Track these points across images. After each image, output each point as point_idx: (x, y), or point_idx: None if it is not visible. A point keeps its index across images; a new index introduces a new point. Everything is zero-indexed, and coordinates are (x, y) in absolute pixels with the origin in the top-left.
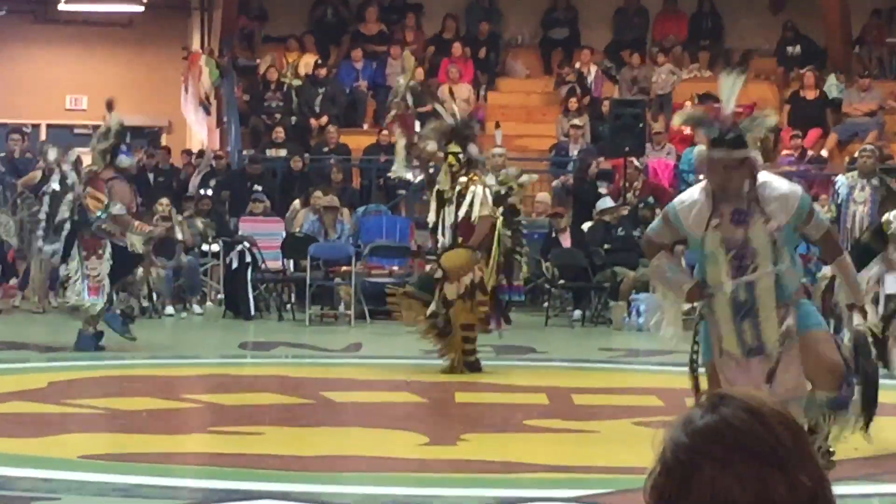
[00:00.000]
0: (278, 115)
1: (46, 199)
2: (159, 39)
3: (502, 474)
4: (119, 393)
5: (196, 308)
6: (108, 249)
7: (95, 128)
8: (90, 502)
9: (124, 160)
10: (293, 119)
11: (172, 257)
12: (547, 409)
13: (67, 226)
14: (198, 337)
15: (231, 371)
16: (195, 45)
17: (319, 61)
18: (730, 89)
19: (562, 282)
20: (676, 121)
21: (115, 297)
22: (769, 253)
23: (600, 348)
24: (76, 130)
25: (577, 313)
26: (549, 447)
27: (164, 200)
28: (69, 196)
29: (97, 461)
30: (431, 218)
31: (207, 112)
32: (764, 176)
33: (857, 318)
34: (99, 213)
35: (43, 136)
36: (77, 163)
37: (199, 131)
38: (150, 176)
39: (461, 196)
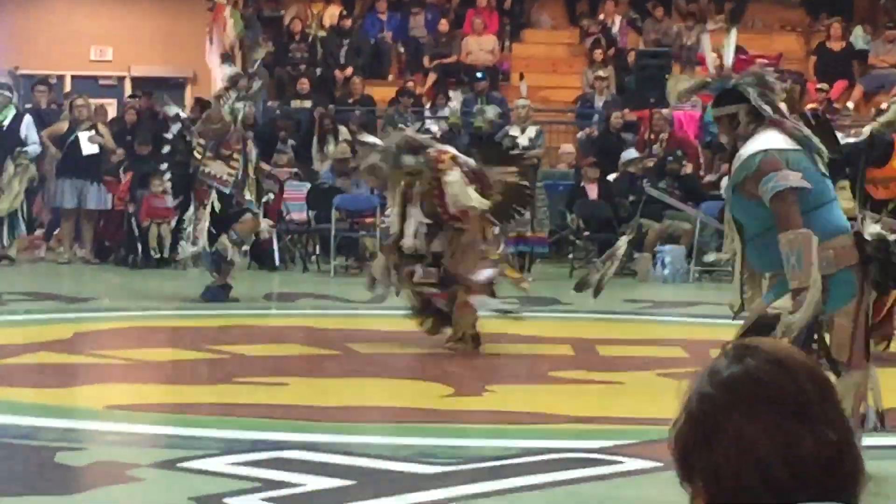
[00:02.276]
0: (303, 67)
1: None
2: None
3: (528, 425)
4: (144, 343)
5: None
6: (214, 197)
7: (121, 79)
8: (115, 452)
9: (237, 106)
10: (318, 70)
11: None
12: (572, 360)
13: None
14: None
15: (256, 322)
16: None
17: (344, 12)
18: (726, 43)
19: (587, 233)
20: (672, 100)
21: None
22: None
23: (625, 300)
24: (101, 81)
25: None
26: (574, 398)
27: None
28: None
29: (122, 411)
30: (395, 225)
31: (232, 63)
32: (760, 134)
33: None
34: (199, 158)
35: (68, 88)
36: (194, 120)
37: (223, 82)
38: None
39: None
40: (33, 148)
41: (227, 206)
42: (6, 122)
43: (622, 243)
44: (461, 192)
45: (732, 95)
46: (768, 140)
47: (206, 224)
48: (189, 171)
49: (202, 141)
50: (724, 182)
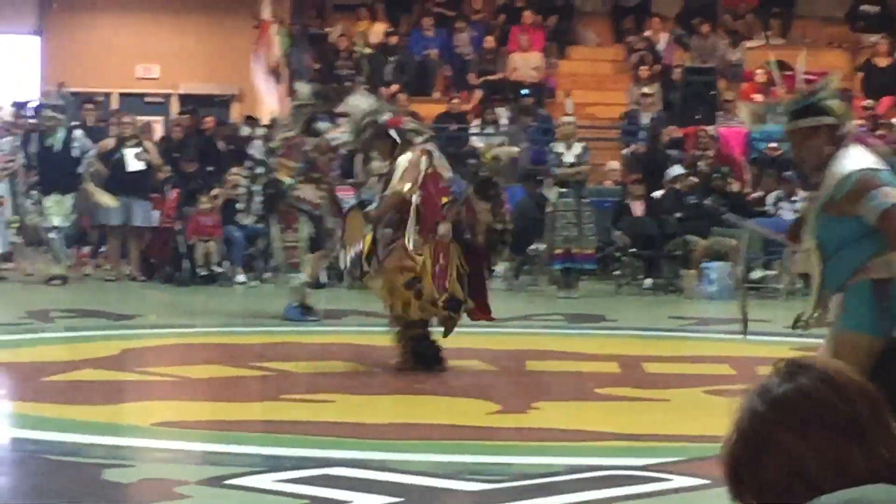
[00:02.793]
0: (349, 84)
1: (246, 171)
2: (230, 8)
3: (573, 442)
4: (191, 360)
5: (267, 276)
6: (305, 220)
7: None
8: (162, 470)
9: (322, 126)
10: (364, 88)
11: (245, 225)
12: (618, 377)
13: (259, 198)
14: (269, 304)
15: (302, 339)
16: (266, 13)
17: (390, 29)
18: (798, 62)
19: (633, 250)
20: (749, 124)
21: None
22: (812, 231)
23: (671, 316)
24: (147, 99)
25: (648, 281)
26: (620, 415)
27: (235, 168)
28: (262, 168)
29: (169, 428)
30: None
31: (278, 81)
32: (848, 151)
33: None
34: (291, 182)
35: (114, 105)
36: (268, 136)
37: (269, 100)
38: (221, 144)
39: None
40: (85, 159)
41: (318, 230)
42: (58, 146)
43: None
44: (399, 174)
45: (812, 110)
46: (859, 157)
47: (303, 248)
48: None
49: (290, 163)
50: (771, 198)
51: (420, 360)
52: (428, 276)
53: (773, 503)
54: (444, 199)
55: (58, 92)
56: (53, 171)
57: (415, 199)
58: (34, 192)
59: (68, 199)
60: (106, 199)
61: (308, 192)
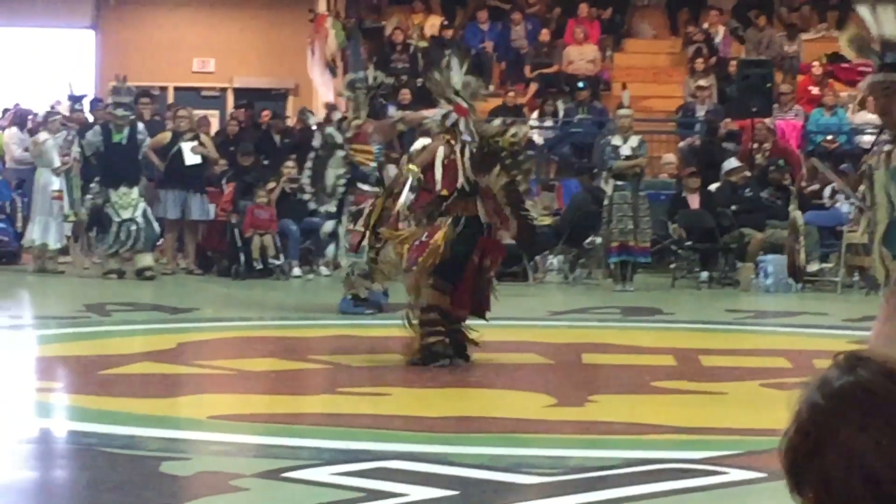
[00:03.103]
0: (404, 77)
1: (309, 162)
2: (286, 1)
3: (630, 436)
4: (247, 354)
5: (323, 269)
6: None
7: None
8: (219, 462)
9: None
10: (419, 81)
11: (301, 219)
12: (674, 370)
13: (342, 186)
14: (325, 298)
15: (358, 332)
16: (321, 7)
17: (445, 23)
18: (877, 19)
19: (688, 243)
20: (842, 43)
21: None
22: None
23: (727, 309)
24: (203, 93)
25: (704, 274)
26: (677, 409)
27: (291, 162)
28: (339, 154)
29: (226, 421)
30: None
31: (333, 74)
32: None
33: None
34: (373, 165)
35: (170, 100)
36: (341, 121)
37: (325, 93)
38: (277, 138)
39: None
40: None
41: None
42: (124, 140)
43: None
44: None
45: None
46: None
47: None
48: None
49: (366, 148)
50: (827, 191)
51: (430, 357)
52: (405, 243)
53: (831, 496)
54: (445, 192)
55: (125, 87)
56: (119, 166)
57: (411, 179)
58: (93, 186)
59: (134, 192)
60: None
61: (392, 173)
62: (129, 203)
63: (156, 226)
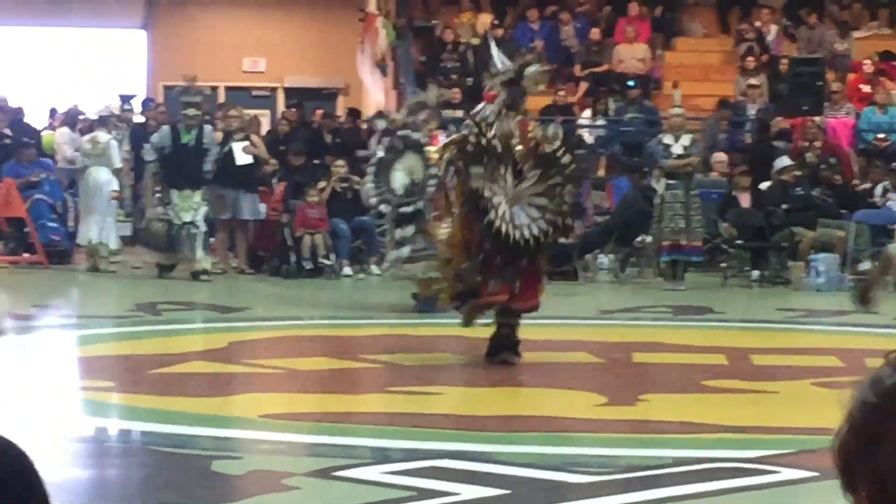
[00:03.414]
0: (455, 76)
1: (372, 168)
2: (336, 1)
3: (681, 435)
4: (298, 353)
5: (374, 268)
6: None
7: (273, 89)
8: (270, 461)
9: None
10: (469, 80)
11: (351, 218)
12: (725, 369)
13: (432, 186)
14: (376, 297)
15: (408, 331)
16: (371, 6)
17: (496, 21)
18: None
19: (739, 242)
20: None
21: None
22: None
23: (778, 308)
24: (254, 93)
25: (755, 273)
26: (728, 408)
27: (341, 161)
28: (411, 155)
29: (277, 420)
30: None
31: (384, 73)
32: None
33: None
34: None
35: (221, 99)
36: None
37: (375, 93)
38: (328, 137)
39: None
40: (213, 153)
41: None
42: (192, 141)
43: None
44: None
45: None
46: None
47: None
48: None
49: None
50: (878, 189)
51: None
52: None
53: (885, 495)
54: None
55: (195, 87)
56: (185, 167)
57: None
58: (157, 189)
59: (197, 195)
60: None
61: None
62: (191, 206)
63: (203, 231)
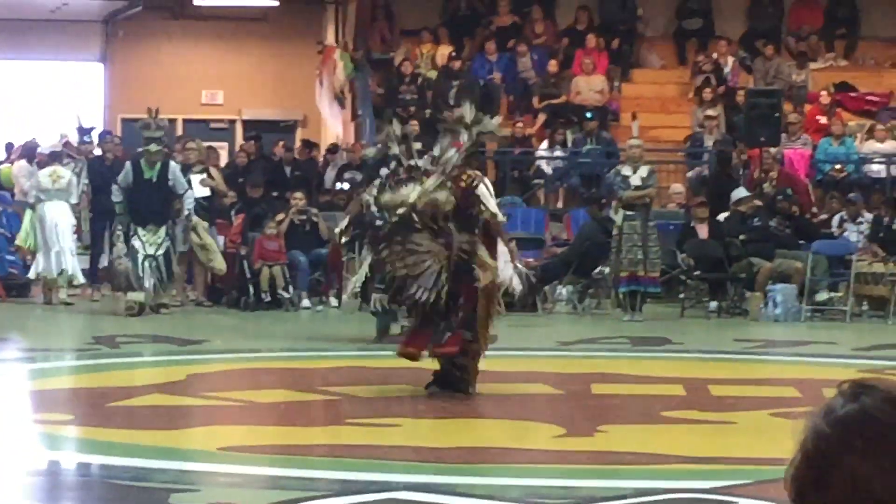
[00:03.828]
0: (413, 108)
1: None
2: (294, 34)
3: (640, 465)
4: (256, 385)
5: (332, 301)
6: None
7: (232, 122)
8: (229, 494)
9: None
10: (427, 112)
11: (310, 250)
12: (683, 400)
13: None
14: (334, 329)
15: (367, 363)
16: (329, 38)
17: (453, 53)
18: None
19: (697, 272)
20: None
21: None
22: None
23: (736, 339)
24: (212, 125)
25: (713, 304)
26: (686, 438)
27: (299, 194)
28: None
29: (236, 453)
30: None
31: (342, 106)
32: None
33: None
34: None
35: (179, 131)
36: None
37: (333, 125)
38: (287, 169)
39: None
40: (188, 197)
41: None
42: (155, 178)
43: None
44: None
45: None
46: None
47: None
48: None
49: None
50: (835, 220)
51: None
52: None
53: None
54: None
55: (156, 121)
56: (148, 204)
57: None
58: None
59: (161, 231)
60: (217, 260)
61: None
62: (156, 241)
63: (175, 267)
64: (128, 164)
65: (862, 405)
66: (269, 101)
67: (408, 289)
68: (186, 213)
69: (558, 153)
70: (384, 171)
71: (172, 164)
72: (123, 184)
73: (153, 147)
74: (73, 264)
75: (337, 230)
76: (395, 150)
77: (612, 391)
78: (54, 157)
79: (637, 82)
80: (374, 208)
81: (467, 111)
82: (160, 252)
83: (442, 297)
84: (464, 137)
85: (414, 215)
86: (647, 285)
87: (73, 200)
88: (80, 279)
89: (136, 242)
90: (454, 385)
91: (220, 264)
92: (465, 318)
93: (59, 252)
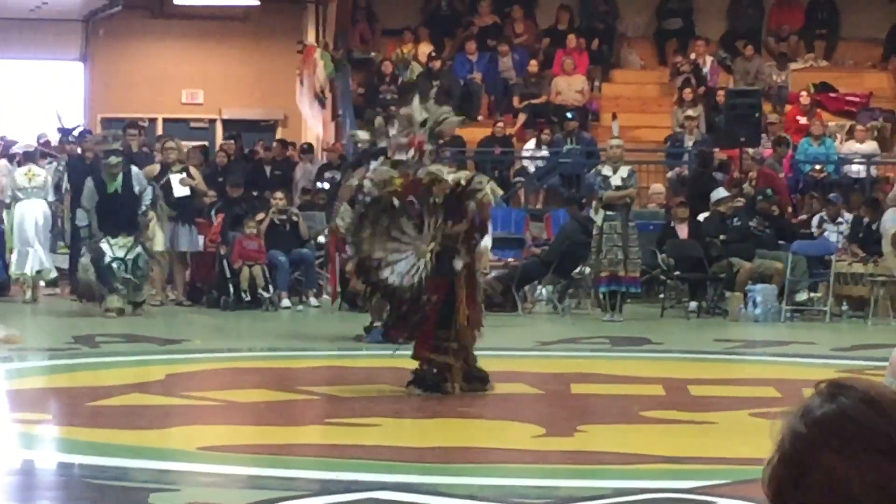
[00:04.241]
0: (393, 108)
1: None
2: (274, 33)
3: (619, 465)
4: (236, 385)
5: (312, 300)
6: None
7: (212, 121)
8: (209, 494)
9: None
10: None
11: (290, 250)
12: (663, 400)
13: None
14: (314, 329)
15: (347, 363)
16: (310, 38)
17: (434, 53)
18: None
19: (677, 273)
20: None
21: None
22: None
23: (716, 339)
24: (192, 125)
25: (693, 304)
26: (666, 438)
27: (279, 194)
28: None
29: (215, 452)
30: None
31: (322, 105)
32: None
33: None
34: None
35: (160, 131)
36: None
37: (314, 125)
38: (267, 169)
39: None
40: (147, 195)
41: None
42: (119, 188)
43: None
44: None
45: None
46: None
47: None
48: None
49: None
50: (815, 220)
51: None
52: None
53: None
54: None
55: (112, 134)
56: (117, 216)
57: None
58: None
59: (131, 240)
60: (158, 239)
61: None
62: (125, 245)
63: (146, 270)
64: (88, 180)
65: (839, 405)
66: (250, 101)
67: (381, 270)
68: (143, 208)
69: (541, 153)
70: (374, 164)
71: (134, 169)
72: (89, 204)
73: (113, 160)
74: (48, 262)
75: (338, 220)
76: (384, 143)
77: (591, 391)
78: (28, 157)
79: (617, 82)
80: (367, 185)
81: (416, 110)
82: (129, 256)
83: (413, 288)
84: (419, 132)
85: (395, 199)
86: (628, 285)
87: (50, 198)
88: (54, 275)
89: (104, 245)
90: (431, 386)
91: (157, 245)
92: (437, 316)
93: (34, 250)
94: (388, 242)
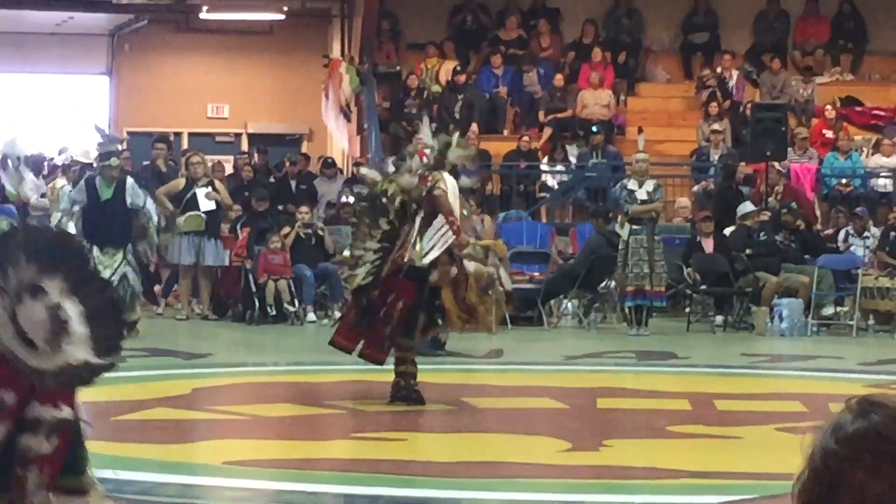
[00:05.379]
0: (419, 122)
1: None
2: (300, 47)
3: (645, 480)
4: (262, 399)
5: (338, 315)
6: None
7: (237, 135)
8: None
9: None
10: (433, 125)
11: (315, 264)
12: (689, 414)
13: None
14: None
15: (373, 378)
16: (335, 52)
17: (459, 68)
18: None
19: (703, 287)
20: None
21: None
22: None
23: (742, 353)
24: (218, 139)
25: (719, 318)
26: (692, 453)
27: (304, 208)
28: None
29: (241, 467)
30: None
31: (348, 119)
32: None
33: None
34: None
35: (185, 145)
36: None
37: (339, 138)
38: (293, 183)
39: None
40: (150, 210)
41: None
42: (111, 196)
43: None
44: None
45: None
46: None
47: None
48: None
49: None
50: (841, 234)
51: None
52: None
53: None
54: None
55: (110, 135)
56: (106, 225)
57: None
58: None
59: (119, 254)
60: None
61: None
62: (111, 265)
63: (138, 287)
64: (82, 182)
65: (871, 422)
66: (275, 115)
67: (358, 268)
68: (152, 221)
69: (559, 168)
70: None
71: (129, 180)
72: (79, 201)
73: (114, 161)
74: None
75: None
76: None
77: (617, 405)
78: (63, 170)
79: (643, 96)
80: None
81: (427, 135)
82: (114, 277)
83: (366, 290)
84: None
85: (383, 199)
86: (653, 299)
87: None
88: None
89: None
90: (405, 398)
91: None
92: (400, 324)
93: None
94: (368, 241)
